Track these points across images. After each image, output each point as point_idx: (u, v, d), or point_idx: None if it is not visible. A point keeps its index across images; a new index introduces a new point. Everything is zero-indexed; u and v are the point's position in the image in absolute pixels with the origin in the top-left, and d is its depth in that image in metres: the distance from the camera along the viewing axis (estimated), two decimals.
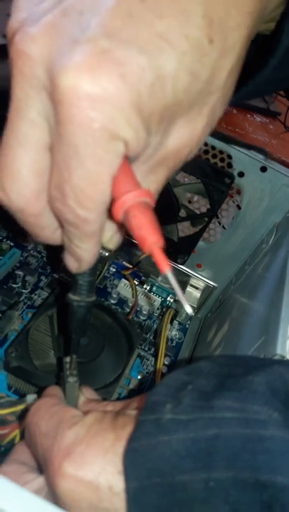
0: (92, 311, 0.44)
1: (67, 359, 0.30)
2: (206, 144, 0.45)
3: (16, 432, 0.31)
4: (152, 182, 0.22)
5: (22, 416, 0.31)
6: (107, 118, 0.17)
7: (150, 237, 0.20)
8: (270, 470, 0.18)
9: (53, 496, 0.23)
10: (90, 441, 0.22)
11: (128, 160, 0.19)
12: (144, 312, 0.53)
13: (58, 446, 0.22)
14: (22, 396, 0.40)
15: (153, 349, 0.51)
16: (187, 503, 0.19)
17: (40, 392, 0.38)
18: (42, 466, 0.24)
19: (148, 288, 0.57)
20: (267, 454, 0.18)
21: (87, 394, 0.30)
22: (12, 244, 0.54)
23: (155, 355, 0.50)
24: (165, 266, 0.20)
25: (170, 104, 0.18)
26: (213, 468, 0.18)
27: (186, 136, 0.20)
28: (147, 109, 0.17)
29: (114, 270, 0.57)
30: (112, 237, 0.24)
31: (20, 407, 0.31)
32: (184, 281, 0.55)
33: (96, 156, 0.17)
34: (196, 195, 0.50)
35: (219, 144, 0.44)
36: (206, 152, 0.45)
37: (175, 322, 0.55)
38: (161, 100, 0.17)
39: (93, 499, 0.21)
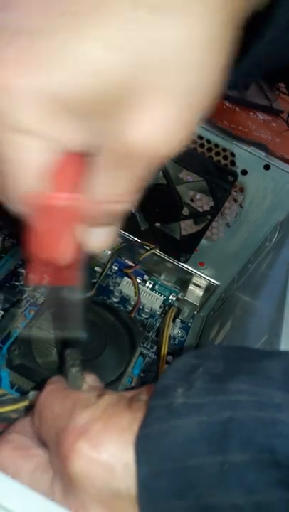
0: (90, 307, 0.44)
1: (68, 351, 0.30)
2: (209, 142, 0.45)
3: None
4: (116, 184, 0.18)
5: (25, 412, 0.31)
6: (9, 111, 0.15)
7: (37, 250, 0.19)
8: (285, 452, 0.18)
9: (61, 478, 0.22)
10: (106, 421, 0.22)
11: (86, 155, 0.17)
12: (147, 310, 0.53)
13: (74, 425, 0.22)
14: (25, 394, 0.40)
15: (155, 347, 0.51)
16: (201, 487, 0.19)
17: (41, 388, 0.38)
18: (53, 450, 0.24)
19: (150, 286, 0.57)
20: (281, 437, 0.18)
21: (90, 381, 0.30)
22: (15, 241, 0.54)
23: (157, 354, 0.49)
24: (30, 279, 0.20)
25: (101, 93, 0.15)
26: (228, 451, 0.18)
27: (147, 129, 0.16)
28: (68, 101, 0.15)
29: (116, 268, 0.57)
30: (99, 241, 0.22)
31: (23, 404, 0.31)
32: (186, 279, 0.55)
33: (4, 156, 0.16)
34: (199, 193, 0.50)
35: (222, 142, 0.44)
36: (210, 150, 0.45)
37: (177, 320, 0.55)
38: (84, 90, 0.15)
39: (108, 478, 0.20)
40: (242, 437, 0.18)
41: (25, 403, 0.31)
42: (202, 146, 0.45)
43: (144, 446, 0.20)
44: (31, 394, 0.32)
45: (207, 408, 0.19)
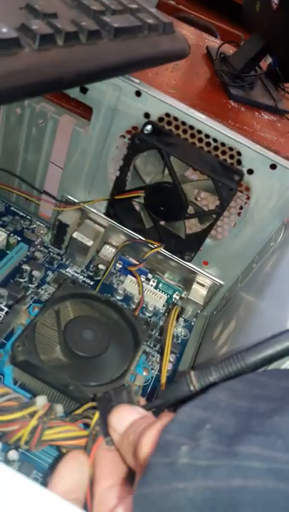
0: (94, 305, 0.44)
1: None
2: (215, 141, 0.45)
3: (26, 429, 0.30)
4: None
5: (33, 414, 0.30)
6: None
7: None
8: None
9: None
10: None
11: None
12: (150, 309, 0.53)
13: None
14: (27, 390, 0.40)
15: (158, 346, 0.51)
16: None
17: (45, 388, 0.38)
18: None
19: (154, 284, 0.57)
20: None
21: None
22: (19, 238, 0.54)
23: (161, 352, 0.49)
24: None
25: None
26: None
27: None
28: None
29: (120, 266, 0.57)
30: None
31: (30, 410, 0.30)
32: (190, 278, 0.55)
33: None
34: (204, 192, 0.50)
35: (229, 141, 0.44)
36: (216, 148, 0.45)
37: (181, 319, 0.55)
38: None
39: None
40: (256, 510, 0.16)
41: (33, 409, 0.31)
42: (208, 144, 0.45)
43: (144, 508, 0.18)
44: (38, 399, 0.31)
45: (215, 472, 0.17)
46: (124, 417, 0.26)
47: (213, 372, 0.25)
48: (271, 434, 0.18)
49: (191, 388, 0.26)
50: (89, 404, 0.32)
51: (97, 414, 0.29)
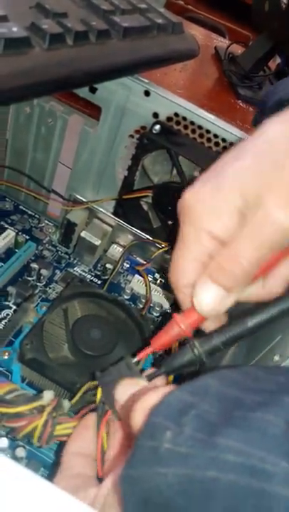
0: (102, 304, 0.44)
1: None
2: (224, 140, 0.45)
3: (36, 424, 0.30)
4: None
5: (40, 409, 0.31)
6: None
7: None
8: None
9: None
10: None
11: None
12: (157, 308, 0.53)
13: None
14: (35, 388, 0.40)
15: None
16: None
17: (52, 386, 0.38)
18: None
19: (161, 284, 0.57)
20: None
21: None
22: (28, 237, 0.54)
23: (168, 352, 0.49)
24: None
25: None
26: None
27: None
28: None
29: (127, 266, 0.57)
30: None
31: (36, 404, 0.31)
32: None
33: None
34: None
35: (238, 141, 0.44)
36: (225, 148, 0.45)
37: None
38: None
39: None
40: (225, 504, 0.17)
41: (39, 403, 0.31)
42: (217, 144, 0.45)
43: (131, 489, 0.20)
44: (45, 394, 0.31)
45: (192, 461, 0.18)
46: (126, 390, 0.27)
47: (215, 337, 0.26)
48: (251, 429, 0.18)
49: (195, 351, 0.26)
50: (84, 388, 0.32)
51: (100, 392, 0.29)
